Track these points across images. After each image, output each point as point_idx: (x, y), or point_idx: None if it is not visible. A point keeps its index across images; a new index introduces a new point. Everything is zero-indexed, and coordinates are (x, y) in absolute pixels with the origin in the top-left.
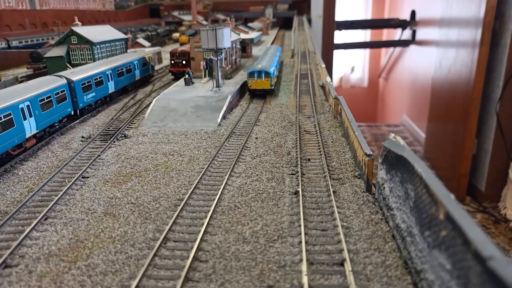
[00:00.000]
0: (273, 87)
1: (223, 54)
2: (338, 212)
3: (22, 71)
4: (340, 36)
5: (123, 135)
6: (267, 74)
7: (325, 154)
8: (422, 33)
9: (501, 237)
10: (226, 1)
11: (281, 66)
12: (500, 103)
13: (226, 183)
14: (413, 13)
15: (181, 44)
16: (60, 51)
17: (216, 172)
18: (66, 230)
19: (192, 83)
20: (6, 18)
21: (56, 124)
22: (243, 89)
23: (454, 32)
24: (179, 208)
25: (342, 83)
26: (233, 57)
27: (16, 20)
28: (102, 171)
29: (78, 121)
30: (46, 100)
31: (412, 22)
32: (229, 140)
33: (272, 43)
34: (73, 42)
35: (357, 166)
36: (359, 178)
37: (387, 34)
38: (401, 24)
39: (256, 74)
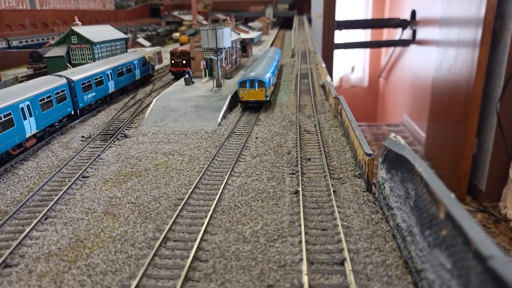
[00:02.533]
0: (268, 98)
1: (223, 54)
2: (338, 212)
3: (22, 71)
4: (340, 36)
5: (123, 135)
6: (261, 83)
7: (325, 154)
8: (423, 33)
9: (501, 237)
10: (226, 1)
11: (280, 70)
12: (501, 103)
13: (226, 182)
14: (413, 13)
15: (181, 44)
16: (60, 51)
17: (216, 172)
18: (66, 229)
19: (192, 82)
20: (6, 18)
21: (56, 124)
22: None
23: (454, 32)
24: (179, 207)
25: (343, 82)
26: (233, 57)
27: (16, 20)
28: (102, 171)
29: (78, 120)
30: (46, 100)
31: (412, 21)
32: (229, 139)
33: (272, 42)
34: (73, 42)
35: (357, 166)
36: (359, 178)
37: (387, 34)
38: (401, 23)
39: (248, 83)
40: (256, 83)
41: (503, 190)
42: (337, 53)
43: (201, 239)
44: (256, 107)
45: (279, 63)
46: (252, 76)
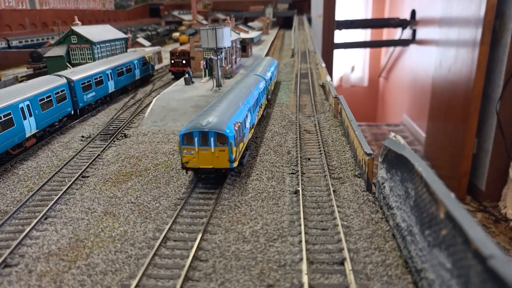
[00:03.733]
0: (236, 164)
1: (223, 54)
2: (338, 211)
3: (22, 70)
4: (340, 36)
5: (123, 135)
6: (222, 137)
7: (325, 153)
8: (422, 33)
9: (501, 236)
10: (226, 0)
11: (277, 86)
12: (500, 103)
13: (226, 182)
14: (413, 13)
15: (181, 44)
16: (60, 51)
17: None
18: (66, 229)
19: (192, 82)
20: (6, 17)
21: (56, 124)
22: None
23: (454, 32)
24: (179, 207)
25: (342, 82)
26: (233, 57)
27: (16, 20)
28: (102, 171)
29: (78, 120)
30: (46, 100)
31: (412, 21)
32: None
33: (272, 42)
34: (73, 42)
35: (357, 165)
36: (359, 177)
37: (387, 34)
38: (401, 23)
39: (196, 138)
40: (212, 138)
41: (503, 190)
42: (337, 53)
43: (201, 238)
44: (213, 179)
45: (273, 80)
46: (205, 125)
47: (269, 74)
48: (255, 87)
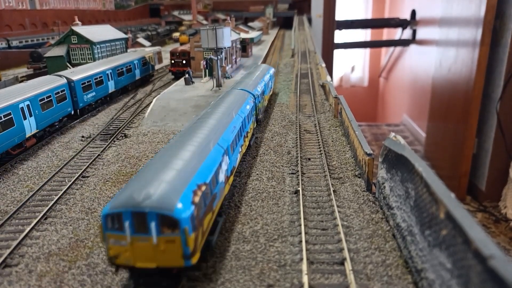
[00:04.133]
0: (194, 261)
1: (223, 54)
2: (339, 211)
3: (22, 70)
4: (340, 36)
5: (123, 135)
6: (171, 221)
7: (325, 154)
8: (423, 33)
9: (501, 237)
10: (226, 0)
11: (275, 93)
12: (501, 103)
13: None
14: (413, 13)
15: (181, 44)
16: (60, 51)
17: None
18: (66, 229)
19: (192, 82)
20: (6, 18)
21: (56, 124)
22: None
23: (454, 32)
24: None
25: (342, 82)
26: (233, 57)
27: (16, 20)
28: (102, 171)
29: (78, 120)
30: (46, 100)
31: (412, 21)
32: None
33: (272, 42)
34: (73, 42)
35: (357, 165)
36: (359, 177)
37: (387, 34)
38: (401, 23)
39: (128, 222)
40: (154, 223)
41: (503, 190)
42: (337, 53)
43: None
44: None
45: (268, 93)
46: (143, 200)
47: (260, 88)
48: (238, 110)
